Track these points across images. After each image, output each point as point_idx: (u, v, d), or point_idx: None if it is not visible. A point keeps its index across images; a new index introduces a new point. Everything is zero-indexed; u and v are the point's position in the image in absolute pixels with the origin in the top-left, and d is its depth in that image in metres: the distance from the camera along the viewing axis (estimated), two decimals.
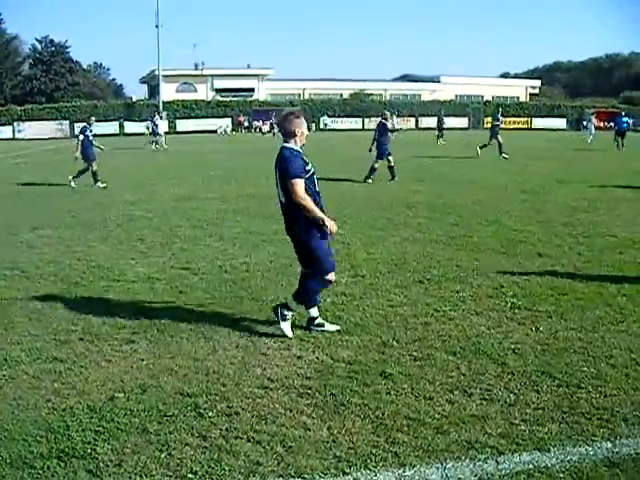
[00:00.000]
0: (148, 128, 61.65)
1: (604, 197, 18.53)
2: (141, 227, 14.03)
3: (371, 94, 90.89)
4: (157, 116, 48.88)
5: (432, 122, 76.59)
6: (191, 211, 16.23)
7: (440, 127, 51.00)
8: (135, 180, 23.45)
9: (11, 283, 9.62)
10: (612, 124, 42.43)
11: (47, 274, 10.07)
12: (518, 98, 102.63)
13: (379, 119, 24.47)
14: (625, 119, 43.38)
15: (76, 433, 5.06)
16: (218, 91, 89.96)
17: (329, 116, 78.69)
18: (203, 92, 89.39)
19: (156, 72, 79.73)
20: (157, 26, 75.94)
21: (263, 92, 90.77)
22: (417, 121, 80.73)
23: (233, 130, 75.47)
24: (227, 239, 12.53)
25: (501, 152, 32.60)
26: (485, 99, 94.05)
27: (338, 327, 7.36)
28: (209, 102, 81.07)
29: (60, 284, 9.49)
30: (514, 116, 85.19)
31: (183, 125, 74.80)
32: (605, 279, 9.51)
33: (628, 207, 16.70)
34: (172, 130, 69.63)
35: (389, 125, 24.19)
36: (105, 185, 21.99)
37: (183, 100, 79.52)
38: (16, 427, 5.17)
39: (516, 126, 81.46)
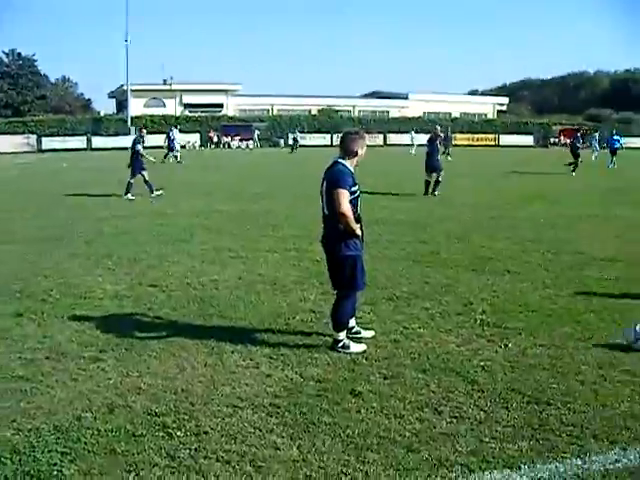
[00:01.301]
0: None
1: (572, 214, 18.68)
2: (109, 243, 13.90)
3: (340, 110, 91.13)
4: (175, 130, 48.24)
5: (399, 139, 77.35)
6: (160, 227, 16.12)
7: (446, 144, 51.35)
8: (110, 195, 23.26)
9: None
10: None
11: (13, 291, 9.92)
12: (486, 115, 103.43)
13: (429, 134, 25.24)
14: (617, 137, 44.72)
15: (42, 454, 4.98)
16: (187, 106, 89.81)
17: (300, 132, 78.71)
18: (172, 107, 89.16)
19: (124, 87, 79.44)
20: (126, 41, 75.83)
21: (232, 107, 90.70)
22: (385, 138, 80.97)
23: (201, 145, 75.14)
24: (196, 256, 12.45)
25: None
26: (453, 116, 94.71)
27: (364, 347, 7.35)
28: (178, 117, 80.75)
29: (26, 301, 9.36)
30: (482, 133, 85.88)
31: (152, 140, 74.42)
32: (573, 295, 9.59)
33: (595, 224, 16.88)
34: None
35: (438, 141, 24.93)
36: (160, 193, 22.95)
37: (152, 115, 79.08)
38: None
39: (484, 143, 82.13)
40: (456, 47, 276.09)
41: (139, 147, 23.50)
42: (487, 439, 5.17)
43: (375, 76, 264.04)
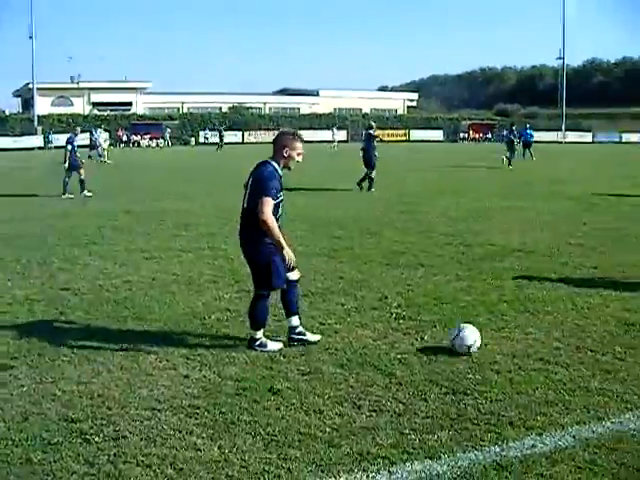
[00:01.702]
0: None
1: (484, 207, 19.14)
2: (17, 246, 13.51)
3: (250, 107, 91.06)
4: (99, 130, 49.16)
5: (311, 136, 77.70)
6: (69, 229, 15.77)
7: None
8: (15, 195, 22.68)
9: None
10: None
11: None
12: (396, 111, 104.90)
13: (365, 130, 26.35)
14: (530, 131, 46.15)
15: None
16: (95, 105, 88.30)
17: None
18: (80, 106, 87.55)
19: (30, 85, 77.61)
20: (31, 37, 74.04)
21: (141, 106, 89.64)
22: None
23: (111, 144, 73.66)
24: (107, 257, 12.21)
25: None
26: (364, 112, 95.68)
27: (280, 345, 7.23)
28: (86, 116, 79.16)
29: None
30: (392, 128, 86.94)
31: (59, 140, 72.67)
32: (486, 287, 9.79)
33: (505, 216, 17.28)
34: (48, 146, 67.39)
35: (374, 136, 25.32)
36: (91, 194, 22.81)
37: (59, 114, 77.35)
38: None
39: (394, 138, 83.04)
40: (365, 43, 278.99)
41: (70, 147, 23.49)
42: (407, 431, 5.22)
43: (286, 73, 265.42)
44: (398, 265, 11.27)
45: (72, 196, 22.53)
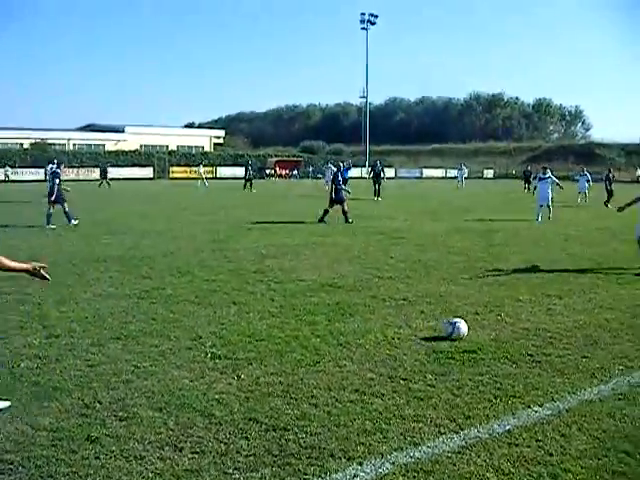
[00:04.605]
0: None
1: (292, 243, 19.45)
2: None
3: (54, 144, 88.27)
4: None
5: (116, 173, 76.35)
6: None
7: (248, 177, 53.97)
8: None
9: None
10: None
11: None
12: (203, 148, 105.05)
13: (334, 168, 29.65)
14: (347, 167, 48.00)
15: None
16: None
17: (11, 167, 74.82)
18: None
19: None
20: None
21: None
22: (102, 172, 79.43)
23: None
24: None
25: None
26: (170, 149, 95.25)
27: (8, 403, 6.58)
28: None
29: None
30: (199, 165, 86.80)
31: None
32: (298, 322, 9.95)
33: (314, 252, 17.64)
34: None
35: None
36: (77, 222, 24.35)
37: None
38: None
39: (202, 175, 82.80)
40: (170, 79, 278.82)
41: (58, 179, 24.90)
42: (230, 470, 5.22)
43: (90, 109, 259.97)
44: (210, 304, 11.24)
45: (54, 227, 23.35)
